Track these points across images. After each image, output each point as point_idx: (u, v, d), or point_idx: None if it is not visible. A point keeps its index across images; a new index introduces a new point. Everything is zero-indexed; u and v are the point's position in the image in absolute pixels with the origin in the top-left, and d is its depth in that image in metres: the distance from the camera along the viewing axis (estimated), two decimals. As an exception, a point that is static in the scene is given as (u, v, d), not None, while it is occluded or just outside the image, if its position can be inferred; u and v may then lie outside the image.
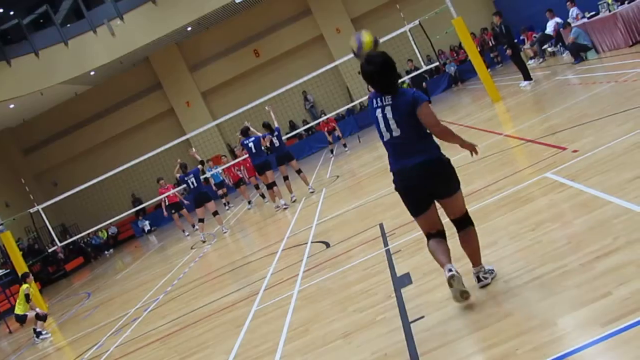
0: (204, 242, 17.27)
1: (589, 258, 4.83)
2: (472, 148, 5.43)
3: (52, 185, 35.56)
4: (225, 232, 17.33)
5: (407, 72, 29.61)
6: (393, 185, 5.57)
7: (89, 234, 29.43)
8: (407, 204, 5.57)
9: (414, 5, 30.68)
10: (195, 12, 30.90)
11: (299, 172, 16.96)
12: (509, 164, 9.68)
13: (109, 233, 33.92)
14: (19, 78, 29.31)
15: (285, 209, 16.27)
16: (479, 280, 5.32)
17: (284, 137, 25.80)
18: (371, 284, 6.76)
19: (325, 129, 24.75)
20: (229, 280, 10.86)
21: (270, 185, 16.65)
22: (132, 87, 35.55)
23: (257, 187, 21.44)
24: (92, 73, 31.79)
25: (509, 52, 18.16)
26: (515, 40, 19.46)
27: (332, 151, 25.49)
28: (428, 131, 5.26)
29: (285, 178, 16.86)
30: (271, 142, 16.70)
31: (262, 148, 16.78)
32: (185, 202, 22.01)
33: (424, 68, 22.19)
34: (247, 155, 19.04)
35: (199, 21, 32.13)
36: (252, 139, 16.76)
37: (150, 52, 34.01)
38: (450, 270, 5.01)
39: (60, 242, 22.85)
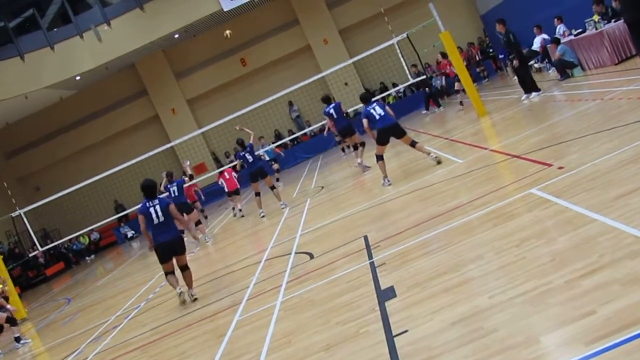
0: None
1: (573, 276, 4.83)
2: None
3: (34, 189, 35.30)
4: (207, 241, 17.27)
5: (394, 84, 29.73)
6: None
7: (70, 239, 29.22)
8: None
9: (402, 18, 30.86)
10: (182, 20, 30.89)
11: (272, 188, 17.21)
12: (495, 179, 9.69)
13: (91, 239, 33.69)
14: (4, 81, 29.10)
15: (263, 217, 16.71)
16: None
17: (271, 147, 25.98)
18: (355, 296, 6.73)
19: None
20: (210, 289, 10.78)
21: (258, 194, 17.20)
22: (118, 93, 35.44)
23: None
24: (77, 78, 31.65)
25: (515, 62, 17.47)
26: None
27: (343, 150, 24.92)
28: None
29: (257, 194, 17.18)
30: (244, 158, 17.00)
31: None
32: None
33: (411, 81, 22.24)
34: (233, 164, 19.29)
35: (187, 29, 32.12)
36: (247, 149, 17.08)
37: (137, 59, 33.92)
38: None
39: (42, 246, 22.64)
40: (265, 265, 10.53)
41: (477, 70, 31.19)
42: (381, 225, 9.69)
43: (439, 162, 12.38)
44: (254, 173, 16.98)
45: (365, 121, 13.02)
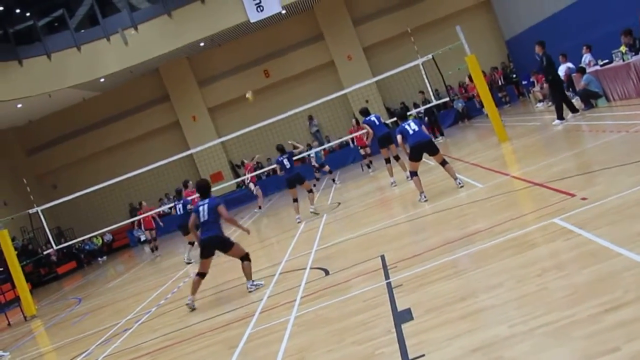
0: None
1: (597, 310, 4.75)
2: None
3: (52, 187, 35.51)
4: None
5: (415, 105, 29.67)
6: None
7: (83, 239, 29.33)
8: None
9: (428, 38, 30.86)
10: (209, 29, 31.09)
11: (309, 191, 17.47)
12: (515, 206, 9.63)
13: (104, 240, 33.79)
14: (29, 79, 29.43)
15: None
16: None
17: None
18: (371, 316, 6.67)
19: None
20: (224, 299, 10.75)
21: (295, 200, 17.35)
22: (140, 97, 35.66)
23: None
24: (101, 80, 31.90)
25: (548, 85, 17.45)
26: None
27: (368, 165, 24.53)
28: None
29: (295, 200, 17.25)
30: (282, 164, 17.22)
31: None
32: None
33: (434, 103, 22.21)
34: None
35: (212, 37, 32.31)
36: (286, 155, 17.26)
37: (161, 64, 34.13)
38: None
39: (56, 245, 22.72)
40: (279, 279, 10.48)
41: (500, 95, 31.13)
42: (399, 246, 9.62)
43: (461, 187, 12.32)
44: (291, 179, 17.12)
45: (399, 137, 13.04)
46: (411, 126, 12.78)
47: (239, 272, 10.75)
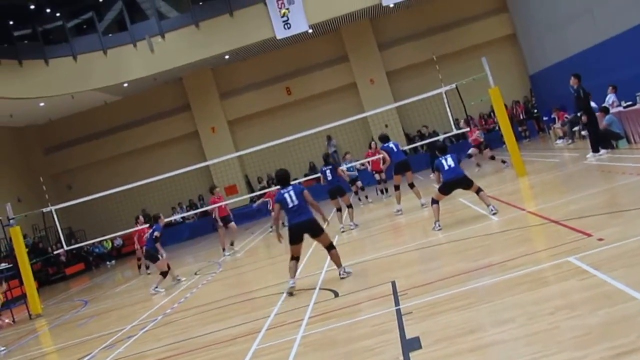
0: None
1: (609, 353, 4.69)
2: None
3: (67, 187, 35.69)
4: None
5: (422, 136, 29.60)
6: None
7: (94, 242, 29.42)
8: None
9: (452, 68, 30.87)
10: (235, 42, 31.33)
11: (349, 206, 17.64)
12: (530, 242, 9.57)
13: (114, 244, 33.86)
14: (54, 78, 29.76)
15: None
16: None
17: (303, 179, 25.98)
18: (378, 342, 6.62)
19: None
20: (231, 312, 10.71)
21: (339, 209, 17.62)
22: (161, 105, 35.86)
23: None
24: (125, 84, 32.16)
25: (584, 118, 17.27)
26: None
27: (382, 191, 24.03)
28: None
29: (338, 210, 17.61)
30: (325, 174, 17.60)
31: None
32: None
33: (454, 132, 22.19)
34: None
35: (238, 51, 32.55)
36: (330, 166, 17.50)
37: (185, 73, 34.36)
38: None
39: (67, 245, 22.78)
40: (287, 297, 10.43)
41: (520, 129, 31.03)
42: (410, 273, 9.57)
43: (494, 213, 12.26)
44: (332, 190, 17.36)
45: (436, 173, 13.32)
46: (447, 161, 12.84)
47: (246, 287, 10.71)
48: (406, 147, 27.75)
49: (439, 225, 12.61)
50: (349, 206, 17.62)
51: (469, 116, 24.77)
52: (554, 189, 14.45)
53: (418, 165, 29.59)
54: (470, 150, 22.17)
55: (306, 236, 10.64)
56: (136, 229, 21.18)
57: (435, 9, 34.21)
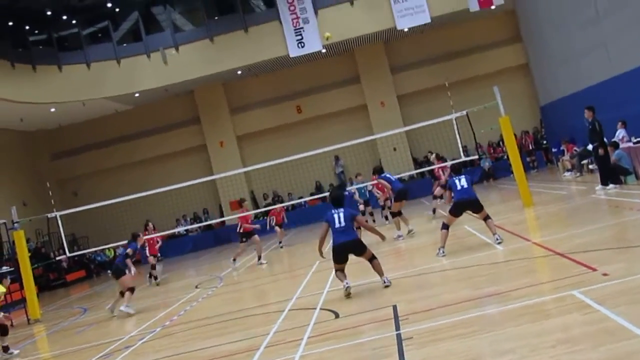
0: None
1: (611, 390, 4.66)
2: None
3: (72, 194, 35.72)
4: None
5: (429, 161, 29.45)
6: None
7: (96, 250, 29.41)
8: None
9: (463, 94, 30.86)
10: (248, 58, 31.51)
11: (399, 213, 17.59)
12: (534, 273, 9.54)
13: (116, 253, 33.78)
14: (66, 85, 29.96)
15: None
16: None
17: (309, 197, 25.95)
18: (378, 365, 6.58)
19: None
20: (230, 328, 10.66)
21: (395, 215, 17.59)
22: (171, 117, 35.97)
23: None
24: (136, 94, 32.32)
25: (601, 151, 17.19)
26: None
27: (387, 217, 23.69)
28: None
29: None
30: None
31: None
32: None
33: (462, 158, 22.14)
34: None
35: (250, 67, 32.70)
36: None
37: (196, 86, 34.50)
38: None
39: (69, 252, 22.77)
40: (288, 315, 10.40)
41: (528, 159, 31.02)
42: (412, 298, 9.53)
43: (499, 242, 12.22)
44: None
45: (447, 193, 13.35)
46: (461, 182, 12.84)
47: (246, 303, 10.67)
48: (413, 172, 27.75)
49: (444, 252, 12.57)
50: (357, 228, 17.54)
51: (477, 144, 24.70)
52: (560, 221, 14.41)
53: (424, 190, 29.61)
54: (437, 191, 21.77)
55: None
56: (147, 237, 20.92)
57: (449, 35, 34.31)
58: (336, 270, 11.11)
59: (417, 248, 15.16)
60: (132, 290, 15.20)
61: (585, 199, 16.67)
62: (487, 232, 12.84)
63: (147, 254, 21.02)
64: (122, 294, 15.30)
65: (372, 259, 11.06)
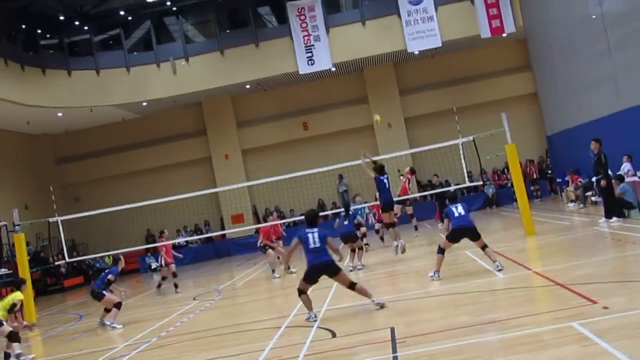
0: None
1: None
2: None
3: (75, 199, 35.72)
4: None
5: (433, 185, 29.45)
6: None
7: (95, 257, 29.39)
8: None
9: (470, 120, 30.79)
10: (258, 73, 31.66)
11: (360, 248, 17.43)
12: (534, 302, 9.49)
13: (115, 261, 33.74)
14: (75, 90, 30.09)
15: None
16: None
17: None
18: (372, 387, 6.53)
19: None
20: (226, 342, 10.60)
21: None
22: (178, 127, 36.01)
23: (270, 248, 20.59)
24: (144, 103, 32.43)
25: (603, 182, 17.10)
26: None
27: (382, 239, 23.29)
28: None
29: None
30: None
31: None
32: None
33: (467, 184, 22.14)
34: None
35: (259, 82, 32.81)
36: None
37: (204, 98, 34.58)
38: None
39: (68, 257, 22.73)
40: (284, 332, 10.34)
41: (532, 188, 30.97)
42: (410, 321, 9.48)
43: (499, 270, 12.17)
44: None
45: (446, 221, 13.17)
46: (458, 209, 12.86)
47: (242, 318, 10.61)
48: (417, 195, 27.66)
49: (438, 276, 12.55)
50: (360, 248, 17.52)
51: (482, 170, 24.60)
52: (562, 251, 14.35)
53: (425, 214, 29.62)
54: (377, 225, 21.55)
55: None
56: (163, 243, 20.74)
57: (459, 60, 34.39)
58: (301, 293, 10.98)
59: (416, 271, 15.09)
60: (118, 306, 14.84)
61: (587, 231, 16.62)
62: (486, 258, 12.81)
63: (165, 264, 20.62)
64: (106, 310, 15.05)
65: (351, 286, 10.98)
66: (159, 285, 20.81)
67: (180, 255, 21.64)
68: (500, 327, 8.02)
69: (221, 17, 34.15)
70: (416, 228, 23.75)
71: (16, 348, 11.74)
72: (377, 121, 21.66)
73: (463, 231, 12.75)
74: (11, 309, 12.46)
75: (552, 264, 12.39)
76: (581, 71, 26.47)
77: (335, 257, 11.10)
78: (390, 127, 34.51)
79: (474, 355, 7.04)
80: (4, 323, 11.94)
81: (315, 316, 10.72)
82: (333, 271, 10.94)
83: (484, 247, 12.70)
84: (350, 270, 16.69)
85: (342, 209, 17.69)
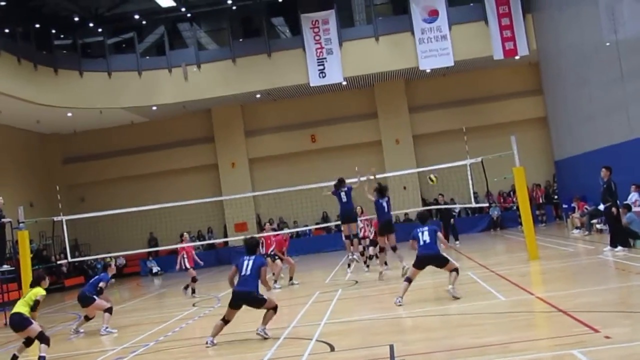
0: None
1: None
2: None
3: (79, 200, 35.75)
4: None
5: (438, 204, 29.40)
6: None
7: (97, 258, 29.38)
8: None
9: (479, 141, 30.71)
10: (269, 83, 31.74)
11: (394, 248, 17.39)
12: (535, 327, 9.42)
13: (116, 263, 33.71)
14: (86, 91, 30.21)
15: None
16: None
17: (314, 226, 25.87)
18: (369, 405, 6.47)
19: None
20: (223, 350, 10.54)
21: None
22: (186, 133, 36.05)
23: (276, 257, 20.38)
24: (153, 108, 32.53)
25: (614, 210, 17.01)
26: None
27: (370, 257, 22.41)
28: None
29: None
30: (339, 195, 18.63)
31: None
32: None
33: (473, 205, 22.08)
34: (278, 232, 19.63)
35: (270, 92, 32.87)
36: (346, 188, 18.28)
37: (214, 105, 34.65)
38: None
39: (71, 257, 22.73)
40: (282, 343, 10.29)
41: (537, 212, 30.87)
42: (410, 339, 9.42)
43: (456, 298, 12.09)
44: (345, 215, 18.04)
45: (411, 242, 12.95)
46: (423, 235, 12.68)
47: (244, 326, 10.56)
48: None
49: (400, 301, 12.39)
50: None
51: (489, 192, 24.55)
52: (565, 277, 14.28)
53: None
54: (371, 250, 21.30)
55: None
56: (183, 245, 20.57)
57: (471, 80, 34.38)
58: (221, 319, 11.00)
59: (418, 288, 14.98)
60: (109, 311, 14.52)
61: (592, 259, 16.54)
62: (490, 280, 12.76)
63: (187, 266, 20.44)
64: (86, 318, 14.79)
65: (270, 309, 11.02)
66: (187, 287, 20.53)
67: (201, 263, 21.32)
68: (500, 351, 7.95)
69: (235, 26, 34.30)
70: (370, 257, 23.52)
71: (43, 350, 11.12)
72: (433, 181, 21.66)
73: (427, 259, 12.60)
74: (34, 307, 11.57)
75: (555, 289, 12.33)
76: (592, 98, 26.43)
77: (264, 289, 11.30)
78: (398, 144, 34.52)
79: (473, 377, 6.99)
80: (33, 322, 11.31)
81: (213, 342, 10.74)
82: (256, 303, 11.03)
83: (452, 271, 12.51)
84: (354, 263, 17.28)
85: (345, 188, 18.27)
